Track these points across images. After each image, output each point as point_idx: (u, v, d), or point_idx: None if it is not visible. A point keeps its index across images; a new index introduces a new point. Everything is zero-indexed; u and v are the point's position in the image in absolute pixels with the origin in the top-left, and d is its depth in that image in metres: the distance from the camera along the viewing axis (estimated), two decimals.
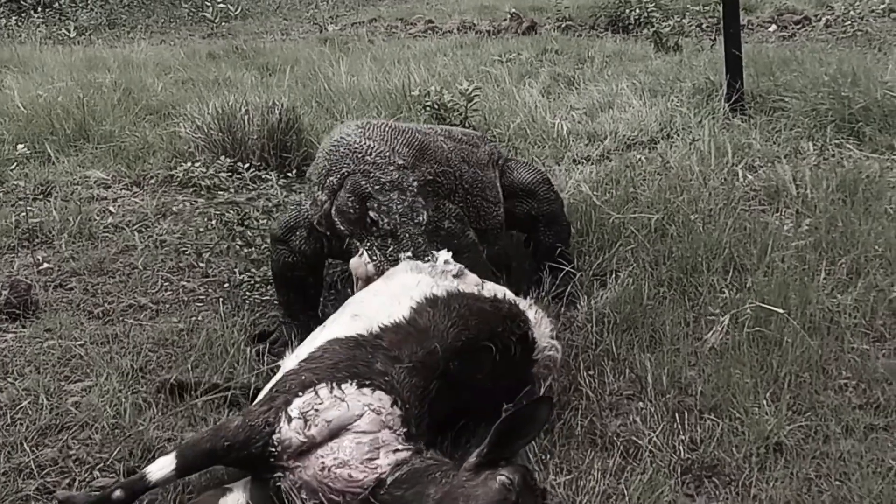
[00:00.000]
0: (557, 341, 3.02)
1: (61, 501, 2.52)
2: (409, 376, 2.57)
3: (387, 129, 3.42)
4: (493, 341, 2.77)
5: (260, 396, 2.67)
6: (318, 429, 2.43)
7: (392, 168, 3.17)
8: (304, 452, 2.45)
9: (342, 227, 3.18)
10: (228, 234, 4.04)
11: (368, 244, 3.10)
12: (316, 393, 2.48)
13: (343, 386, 2.50)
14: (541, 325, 2.96)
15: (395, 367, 2.58)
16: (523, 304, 3.00)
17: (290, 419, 2.45)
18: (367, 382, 2.52)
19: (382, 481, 2.39)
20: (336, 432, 2.44)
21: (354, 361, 2.57)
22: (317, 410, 2.45)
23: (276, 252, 3.50)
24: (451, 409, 2.72)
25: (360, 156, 3.21)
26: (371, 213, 3.08)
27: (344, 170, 3.21)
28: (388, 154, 3.22)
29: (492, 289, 2.97)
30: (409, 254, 3.01)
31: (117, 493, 2.48)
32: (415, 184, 3.18)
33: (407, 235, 3.05)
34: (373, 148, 3.24)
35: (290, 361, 2.72)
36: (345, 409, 2.46)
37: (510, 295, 2.99)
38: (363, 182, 3.14)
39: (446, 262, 2.99)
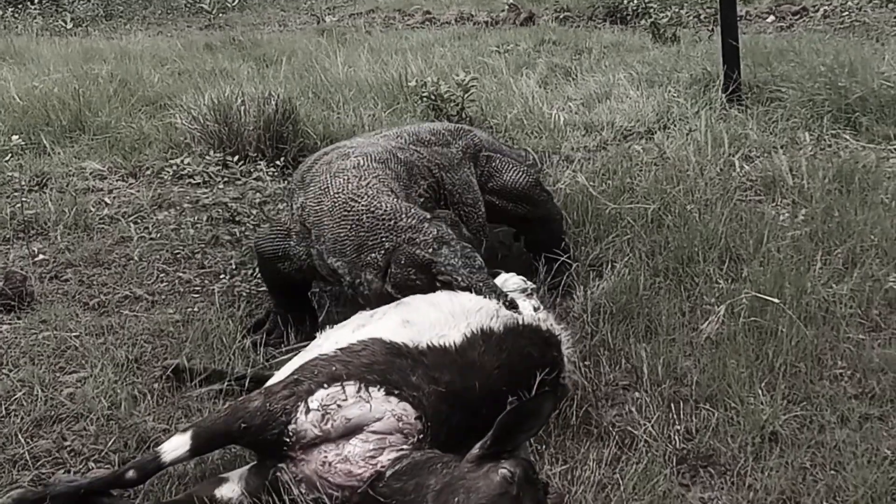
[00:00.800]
0: (569, 378, 2.93)
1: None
2: (440, 400, 2.51)
3: (378, 167, 3.27)
4: (529, 388, 2.68)
5: (283, 372, 2.61)
6: (335, 424, 2.39)
7: (425, 225, 3.03)
8: (313, 445, 2.41)
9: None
10: (216, 237, 4.07)
11: None
12: (343, 388, 2.43)
13: (371, 389, 2.44)
14: (566, 361, 2.89)
15: (430, 386, 2.51)
16: (564, 337, 2.91)
17: (308, 410, 2.40)
18: (397, 392, 2.46)
19: (381, 474, 2.38)
20: (351, 431, 2.41)
21: (391, 368, 2.51)
22: (339, 406, 2.41)
23: (263, 263, 3.47)
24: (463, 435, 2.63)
25: (391, 223, 3.05)
26: (440, 278, 2.92)
27: (386, 244, 3.02)
28: (409, 208, 3.09)
29: (550, 324, 2.89)
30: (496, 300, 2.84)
31: (130, 473, 2.46)
32: (447, 228, 3.06)
33: (482, 285, 2.88)
34: (398, 209, 3.08)
35: (327, 344, 2.64)
36: (367, 410, 2.41)
37: (557, 329, 2.90)
38: (416, 251, 2.97)
39: (536, 308, 2.90)
